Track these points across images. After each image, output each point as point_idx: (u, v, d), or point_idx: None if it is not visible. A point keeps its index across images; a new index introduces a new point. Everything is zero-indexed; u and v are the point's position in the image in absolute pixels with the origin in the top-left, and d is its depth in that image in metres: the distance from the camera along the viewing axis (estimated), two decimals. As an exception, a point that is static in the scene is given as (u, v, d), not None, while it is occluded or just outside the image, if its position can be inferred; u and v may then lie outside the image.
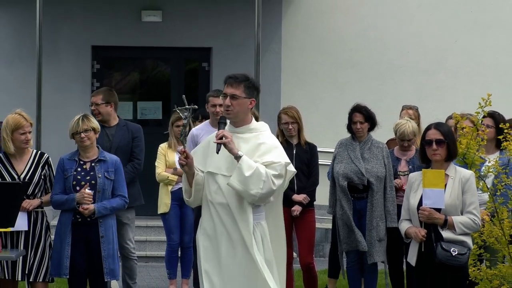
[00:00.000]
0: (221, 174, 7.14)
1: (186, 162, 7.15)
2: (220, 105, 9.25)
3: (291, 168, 7.29)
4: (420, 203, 7.57)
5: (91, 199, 8.67)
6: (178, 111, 7.56)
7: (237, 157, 7.01)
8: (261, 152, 7.12)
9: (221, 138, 7.04)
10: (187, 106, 7.51)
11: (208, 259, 7.17)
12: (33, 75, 15.42)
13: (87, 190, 8.65)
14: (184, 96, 7.86)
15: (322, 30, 17.01)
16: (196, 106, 7.81)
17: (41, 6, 15.13)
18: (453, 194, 7.53)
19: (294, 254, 11.25)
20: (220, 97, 7.95)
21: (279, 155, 7.16)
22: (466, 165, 8.30)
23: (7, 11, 16.53)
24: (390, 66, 17.06)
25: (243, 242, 7.05)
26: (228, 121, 7.35)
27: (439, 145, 7.57)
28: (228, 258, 7.10)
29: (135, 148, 10.69)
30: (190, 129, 11.02)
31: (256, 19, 15.29)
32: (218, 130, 7.15)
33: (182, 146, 7.26)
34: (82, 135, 8.76)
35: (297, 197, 10.56)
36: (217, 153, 7.08)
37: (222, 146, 7.07)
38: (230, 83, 7.21)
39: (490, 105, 8.47)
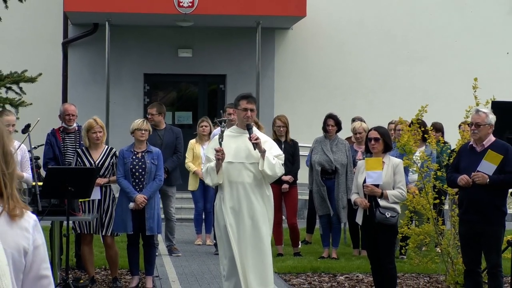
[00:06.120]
0: (238, 162, 7.04)
1: (222, 157, 7.01)
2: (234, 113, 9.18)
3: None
4: (364, 181, 7.59)
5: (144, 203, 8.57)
6: (217, 122, 7.52)
7: (263, 152, 6.95)
8: (268, 147, 7.04)
9: (256, 139, 6.94)
10: (223, 118, 7.47)
11: (232, 220, 7.06)
12: (103, 94, 15.49)
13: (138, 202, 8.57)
14: (221, 110, 7.82)
15: (303, 63, 17.04)
16: (231, 118, 7.70)
17: (108, 46, 15.20)
18: (387, 175, 7.51)
19: (283, 217, 11.24)
20: (232, 109, 7.87)
21: (279, 148, 7.25)
22: (405, 153, 8.34)
23: (86, 48, 16.57)
24: (349, 88, 17.09)
25: (258, 205, 7.04)
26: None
27: (376, 141, 7.56)
28: (246, 217, 7.03)
29: (178, 145, 10.76)
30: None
31: (257, 54, 15.38)
32: (250, 133, 6.99)
33: (219, 146, 7.03)
34: (143, 131, 8.67)
35: (285, 177, 10.53)
36: (254, 150, 6.94)
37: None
38: (250, 101, 7.11)
39: (426, 111, 8.47)
